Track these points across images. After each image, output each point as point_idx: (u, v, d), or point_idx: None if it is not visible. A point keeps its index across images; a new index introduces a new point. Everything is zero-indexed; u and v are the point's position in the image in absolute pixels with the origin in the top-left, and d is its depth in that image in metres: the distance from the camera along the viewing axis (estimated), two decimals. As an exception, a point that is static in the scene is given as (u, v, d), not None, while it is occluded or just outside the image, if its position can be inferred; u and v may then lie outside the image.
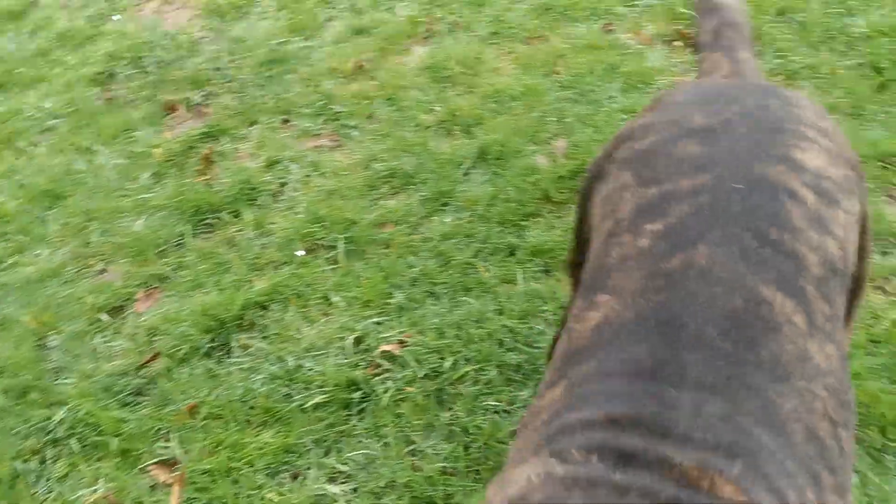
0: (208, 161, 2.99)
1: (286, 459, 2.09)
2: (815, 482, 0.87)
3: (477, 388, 2.17)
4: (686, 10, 3.22)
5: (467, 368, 2.21)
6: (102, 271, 2.71)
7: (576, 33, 3.23)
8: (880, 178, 2.60)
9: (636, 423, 0.85)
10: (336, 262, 2.58)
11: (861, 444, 1.93)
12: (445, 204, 2.69)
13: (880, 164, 2.63)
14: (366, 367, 2.28)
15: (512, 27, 3.32)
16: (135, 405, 2.30)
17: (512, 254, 2.51)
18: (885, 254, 2.41)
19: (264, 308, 2.49)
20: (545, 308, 2.33)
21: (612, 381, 0.91)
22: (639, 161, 1.16)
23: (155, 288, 2.64)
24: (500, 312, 2.33)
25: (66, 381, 2.37)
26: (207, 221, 2.79)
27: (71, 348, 2.47)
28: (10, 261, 2.77)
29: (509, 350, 2.23)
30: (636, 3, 3.34)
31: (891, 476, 1.87)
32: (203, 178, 2.92)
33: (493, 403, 2.13)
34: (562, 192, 2.66)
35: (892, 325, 2.20)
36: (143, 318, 2.52)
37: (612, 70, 3.05)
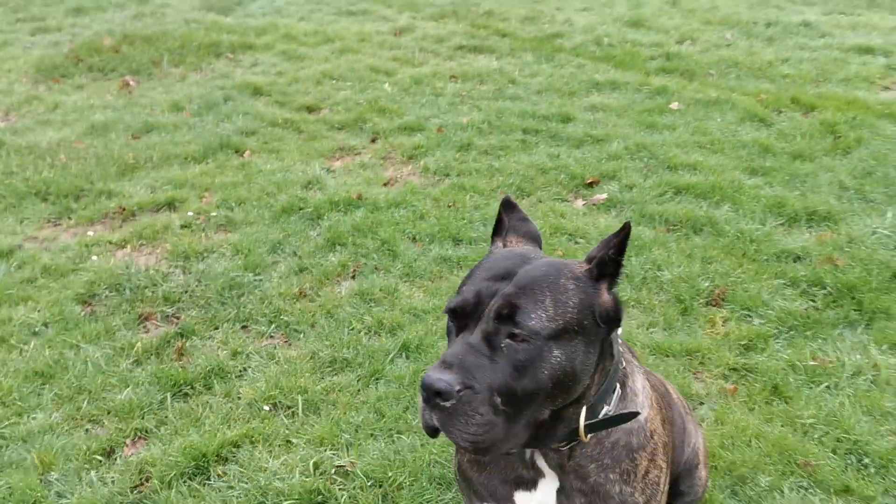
0: (181, 352, 3.72)
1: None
2: None
3: (412, 492, 2.87)
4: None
5: (404, 479, 2.92)
6: (92, 429, 3.29)
7: (467, 275, 4.33)
8: (687, 365, 3.66)
9: None
10: (294, 415, 3.30)
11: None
12: (378, 378, 3.51)
13: (686, 357, 3.70)
14: (325, 481, 2.94)
15: (419, 272, 4.39)
16: (132, 515, 2.83)
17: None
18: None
19: (237, 447, 3.14)
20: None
21: None
22: None
23: (141, 437, 3.23)
24: (425, 445, 3.09)
25: (68, 500, 2.88)
26: (184, 392, 3.47)
27: (70, 478, 2.99)
28: (12, 420, 3.31)
29: (434, 466, 2.98)
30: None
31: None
32: (179, 363, 3.64)
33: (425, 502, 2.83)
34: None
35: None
36: (132, 457, 3.09)
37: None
